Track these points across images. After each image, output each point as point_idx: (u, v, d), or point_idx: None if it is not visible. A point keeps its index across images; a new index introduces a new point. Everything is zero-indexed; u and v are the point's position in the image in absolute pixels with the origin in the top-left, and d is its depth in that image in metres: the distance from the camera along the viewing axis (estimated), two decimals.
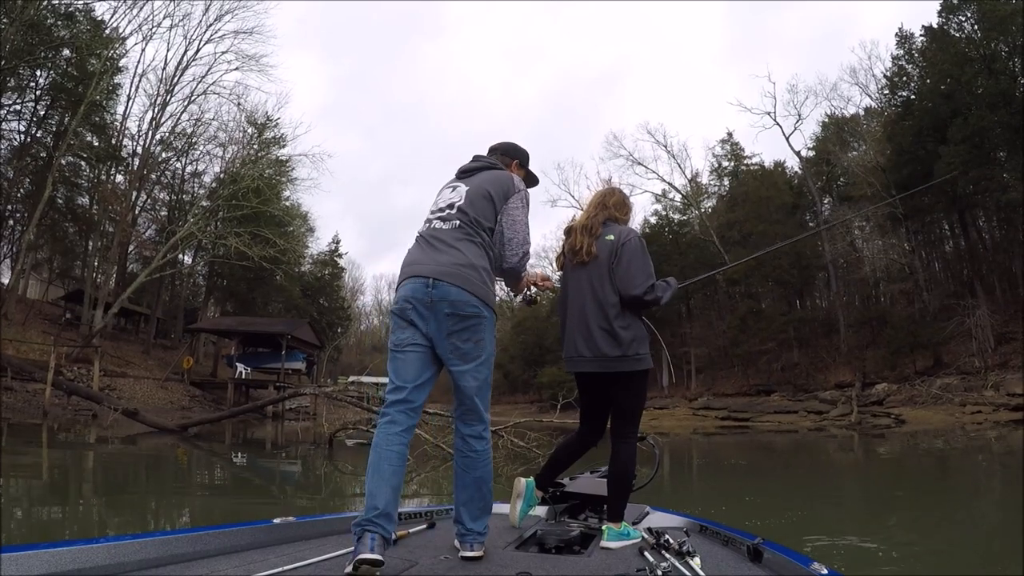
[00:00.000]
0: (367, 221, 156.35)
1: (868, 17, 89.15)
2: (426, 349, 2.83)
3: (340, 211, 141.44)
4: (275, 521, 2.83)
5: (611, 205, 3.58)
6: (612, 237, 3.40)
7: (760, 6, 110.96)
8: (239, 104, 44.42)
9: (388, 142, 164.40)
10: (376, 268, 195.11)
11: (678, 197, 61.43)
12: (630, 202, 3.78)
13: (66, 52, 34.23)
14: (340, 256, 69.26)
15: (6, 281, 37.35)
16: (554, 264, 3.72)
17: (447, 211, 3.02)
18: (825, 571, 2.29)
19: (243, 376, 37.47)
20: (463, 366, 2.83)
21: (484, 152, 3.41)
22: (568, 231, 3.64)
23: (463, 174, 3.21)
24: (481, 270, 2.88)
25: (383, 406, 2.79)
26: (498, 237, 3.03)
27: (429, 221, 3.07)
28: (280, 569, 2.27)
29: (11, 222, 39.83)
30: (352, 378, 47.83)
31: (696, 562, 2.55)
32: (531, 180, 3.47)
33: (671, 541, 2.81)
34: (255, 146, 42.94)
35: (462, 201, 3.03)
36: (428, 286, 2.79)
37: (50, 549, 2.01)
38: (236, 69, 43.49)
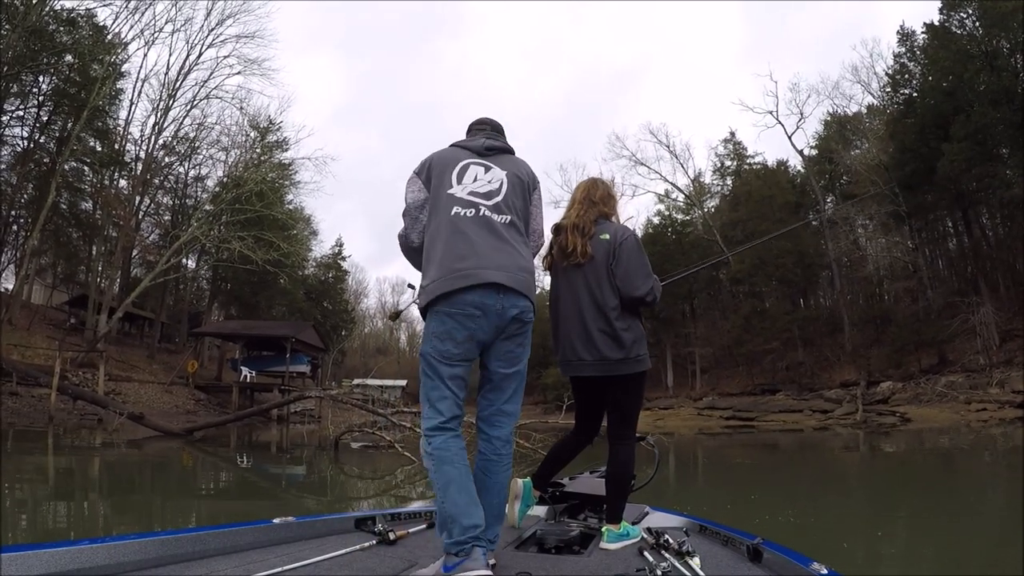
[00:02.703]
0: (377, 220, 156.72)
1: (881, 16, 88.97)
2: (475, 358, 2.74)
3: (352, 211, 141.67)
4: (275, 521, 2.83)
5: (598, 200, 3.47)
6: (607, 236, 3.33)
7: (775, 6, 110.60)
8: (241, 108, 44.65)
9: (402, 141, 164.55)
10: (382, 271, 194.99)
11: (681, 197, 61.47)
12: (615, 192, 3.70)
13: (68, 58, 34.33)
14: (343, 259, 69.41)
15: (10, 286, 37.47)
16: (541, 264, 3.60)
17: (496, 200, 2.81)
18: (825, 571, 2.29)
19: (247, 380, 37.50)
20: (509, 369, 2.75)
21: (474, 125, 3.19)
22: (557, 229, 3.51)
23: (489, 152, 2.96)
24: (532, 273, 2.84)
25: (437, 420, 2.62)
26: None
27: (476, 206, 2.77)
28: (279, 569, 2.28)
29: (15, 227, 40.01)
30: (357, 381, 47.89)
31: (696, 562, 2.55)
32: None
33: (671, 541, 2.80)
34: (258, 150, 42.99)
35: (506, 190, 2.86)
36: (500, 293, 2.65)
37: (50, 549, 2.02)
38: (238, 73, 43.72)
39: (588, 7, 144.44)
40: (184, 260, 41.57)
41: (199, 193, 49.27)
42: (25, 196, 38.80)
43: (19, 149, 37.41)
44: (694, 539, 2.97)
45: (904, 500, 9.12)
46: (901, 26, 45.97)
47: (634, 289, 3.22)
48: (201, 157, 47.69)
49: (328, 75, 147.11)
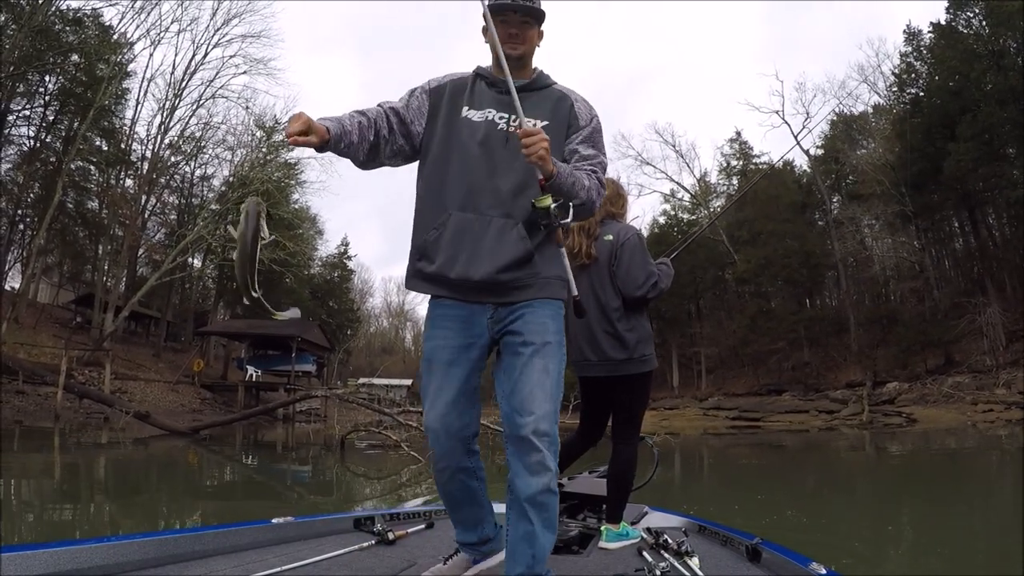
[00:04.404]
0: (390, 220, 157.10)
1: (887, 16, 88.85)
2: None
3: (363, 212, 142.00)
4: (274, 521, 2.85)
5: (606, 200, 3.49)
6: (611, 237, 3.36)
7: (781, 6, 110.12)
8: (247, 107, 44.60)
9: None
10: (387, 271, 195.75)
11: (687, 197, 61.37)
12: (624, 192, 3.71)
13: (75, 57, 34.43)
14: (349, 258, 69.39)
15: (17, 285, 37.57)
16: None
17: None
18: (824, 571, 2.29)
19: (253, 379, 37.54)
20: None
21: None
22: (565, 231, 3.53)
23: None
24: None
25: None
26: None
27: None
28: (279, 569, 2.29)
29: (21, 227, 40.16)
30: (362, 380, 47.90)
31: (695, 562, 2.55)
32: None
33: (670, 541, 2.81)
34: (263, 149, 42.99)
35: None
36: None
37: (50, 549, 2.03)
38: (244, 73, 43.75)
39: (599, 8, 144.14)
40: (190, 259, 41.66)
41: (205, 192, 49.32)
42: (32, 195, 38.92)
43: (26, 148, 37.57)
44: (693, 539, 2.97)
45: (911, 500, 9.11)
46: (907, 26, 45.98)
47: (635, 288, 3.25)
48: (207, 156, 47.63)
49: (344, 74, 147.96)
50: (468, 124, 2.33)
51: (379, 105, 2.34)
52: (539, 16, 2.35)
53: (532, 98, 2.36)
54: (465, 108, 2.36)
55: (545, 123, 2.32)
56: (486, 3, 2.26)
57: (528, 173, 2.20)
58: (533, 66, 2.45)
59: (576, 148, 2.36)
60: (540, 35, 2.43)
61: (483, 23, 2.31)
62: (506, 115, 2.32)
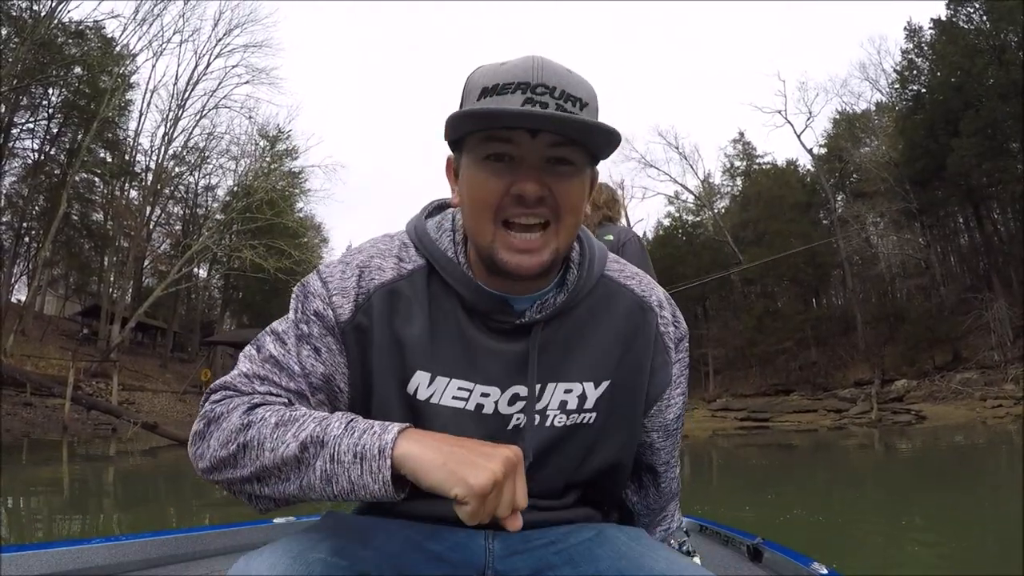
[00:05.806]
0: (395, 228, 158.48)
1: (888, 13, 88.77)
2: None
3: (373, 220, 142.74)
4: (275, 521, 2.83)
5: (603, 204, 3.49)
6: (611, 237, 3.35)
7: (782, 6, 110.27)
8: (250, 117, 44.82)
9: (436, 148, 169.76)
10: None
11: (691, 198, 61.30)
12: (619, 195, 3.73)
13: (77, 70, 34.59)
14: None
15: (23, 297, 37.70)
16: None
17: None
18: (825, 571, 2.27)
19: None
20: None
21: None
22: None
23: None
24: None
25: None
26: None
27: None
28: None
29: (27, 239, 40.28)
30: None
31: (696, 562, 2.53)
32: None
33: (671, 541, 2.79)
34: (267, 159, 43.11)
35: None
36: None
37: (50, 549, 2.02)
38: (247, 83, 43.89)
39: (599, 8, 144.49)
40: (195, 269, 41.70)
41: (209, 202, 49.63)
42: (36, 208, 39.12)
43: (30, 161, 37.76)
44: (694, 538, 2.95)
45: (922, 497, 9.08)
46: (908, 22, 45.89)
47: None
48: (211, 167, 47.96)
49: (372, 82, 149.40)
50: (433, 414, 1.11)
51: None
52: (600, 141, 1.04)
53: (570, 325, 1.15)
54: (423, 376, 1.11)
55: (602, 389, 1.14)
56: (471, 107, 1.03)
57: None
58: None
59: (657, 432, 1.30)
60: (593, 181, 1.14)
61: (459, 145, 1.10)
62: (522, 393, 1.11)
